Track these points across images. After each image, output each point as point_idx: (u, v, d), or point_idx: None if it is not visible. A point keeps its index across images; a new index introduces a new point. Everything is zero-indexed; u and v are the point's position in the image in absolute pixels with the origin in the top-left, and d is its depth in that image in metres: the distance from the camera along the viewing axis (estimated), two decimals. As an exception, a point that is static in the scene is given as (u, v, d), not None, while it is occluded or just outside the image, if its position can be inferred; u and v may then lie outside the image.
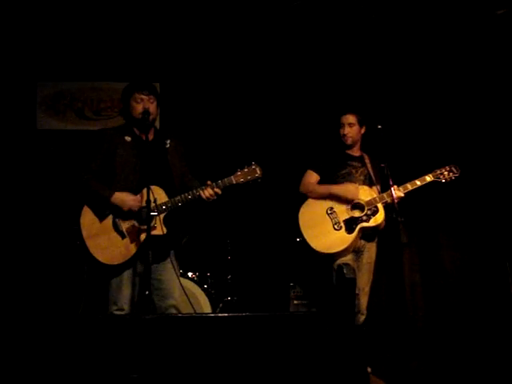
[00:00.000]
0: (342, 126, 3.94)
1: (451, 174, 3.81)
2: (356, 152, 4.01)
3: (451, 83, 4.80)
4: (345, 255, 3.80)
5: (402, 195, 3.76)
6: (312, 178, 3.98)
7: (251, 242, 4.88)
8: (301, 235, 3.85)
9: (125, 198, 3.17)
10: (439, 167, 3.87)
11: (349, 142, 3.94)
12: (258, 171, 3.25)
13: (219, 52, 4.98)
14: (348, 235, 3.77)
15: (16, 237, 4.71)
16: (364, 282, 3.85)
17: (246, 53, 4.99)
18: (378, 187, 3.92)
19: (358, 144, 4.01)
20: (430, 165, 3.93)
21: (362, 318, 3.84)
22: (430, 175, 3.82)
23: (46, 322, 2.45)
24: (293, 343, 2.45)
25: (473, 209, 4.75)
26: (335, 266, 3.76)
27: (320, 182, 3.97)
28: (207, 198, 3.20)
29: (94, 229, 3.18)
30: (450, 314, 4.65)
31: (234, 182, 3.24)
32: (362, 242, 3.87)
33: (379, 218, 3.77)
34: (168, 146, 3.37)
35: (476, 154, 4.65)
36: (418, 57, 4.81)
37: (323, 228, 3.81)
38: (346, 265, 3.64)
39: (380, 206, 3.78)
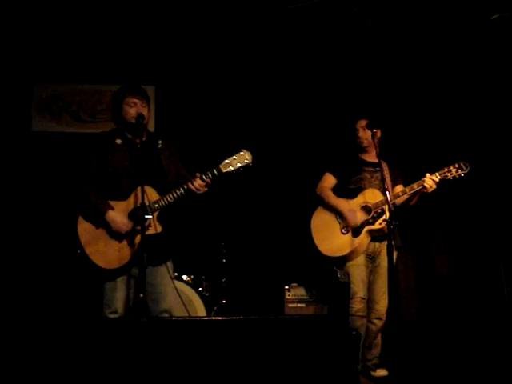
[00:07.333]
0: (357, 131, 3.98)
1: (460, 171, 3.64)
2: (372, 158, 3.95)
3: (451, 84, 4.83)
4: (354, 258, 3.81)
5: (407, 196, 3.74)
6: (328, 181, 4.02)
7: (246, 244, 4.88)
8: (312, 241, 3.90)
9: (116, 220, 3.16)
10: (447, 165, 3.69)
11: (365, 144, 3.95)
12: (248, 157, 3.11)
13: (215, 54, 4.97)
14: (354, 238, 3.79)
15: (10, 239, 4.70)
16: (379, 287, 3.83)
17: (244, 55, 4.99)
18: (391, 192, 3.79)
19: (375, 150, 3.71)
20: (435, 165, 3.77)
21: (380, 323, 3.84)
22: (437, 174, 3.67)
23: (42, 326, 2.45)
24: (287, 347, 2.46)
25: (466, 212, 4.76)
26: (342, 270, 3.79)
27: (335, 186, 4.00)
28: (197, 189, 3.13)
29: (91, 235, 3.19)
30: (444, 318, 4.66)
31: (223, 171, 3.12)
32: (377, 245, 3.86)
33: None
34: (160, 146, 3.35)
35: (470, 159, 4.65)
36: (417, 59, 4.84)
37: (331, 232, 3.88)
38: (341, 269, 3.74)
39: (386, 208, 3.68)
